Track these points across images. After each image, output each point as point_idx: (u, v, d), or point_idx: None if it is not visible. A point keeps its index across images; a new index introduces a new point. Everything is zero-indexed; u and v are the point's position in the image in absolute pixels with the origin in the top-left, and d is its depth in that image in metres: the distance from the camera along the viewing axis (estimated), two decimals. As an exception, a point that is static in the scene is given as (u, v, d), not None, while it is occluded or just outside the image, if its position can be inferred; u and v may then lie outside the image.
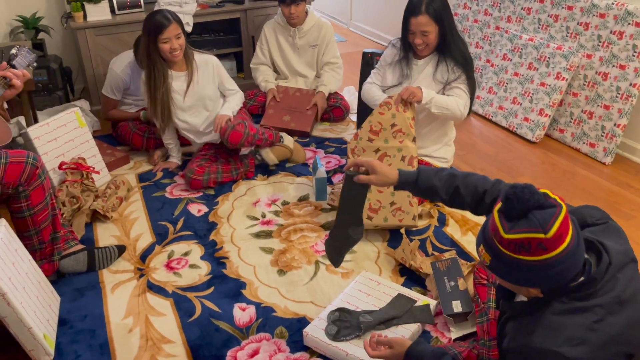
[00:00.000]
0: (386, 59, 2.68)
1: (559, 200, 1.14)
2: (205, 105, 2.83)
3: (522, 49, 3.41)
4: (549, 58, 3.24)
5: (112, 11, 3.54)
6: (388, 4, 4.99)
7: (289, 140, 3.02)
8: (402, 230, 2.28)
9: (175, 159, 3.02)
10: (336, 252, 1.83)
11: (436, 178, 1.56)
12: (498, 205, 1.17)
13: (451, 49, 2.48)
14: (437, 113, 2.44)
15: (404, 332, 1.84)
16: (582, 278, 1.18)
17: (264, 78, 3.48)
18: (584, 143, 3.16)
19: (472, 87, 2.52)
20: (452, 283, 1.97)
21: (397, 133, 2.36)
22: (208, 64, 2.81)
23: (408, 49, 2.56)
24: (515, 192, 1.13)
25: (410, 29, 2.44)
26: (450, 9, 2.47)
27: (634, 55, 2.87)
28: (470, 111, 2.58)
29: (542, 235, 1.10)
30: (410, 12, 2.42)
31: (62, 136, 2.67)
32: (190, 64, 2.76)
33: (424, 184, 1.57)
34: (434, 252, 2.32)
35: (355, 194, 1.69)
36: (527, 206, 1.12)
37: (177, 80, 2.76)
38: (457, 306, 1.90)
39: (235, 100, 2.92)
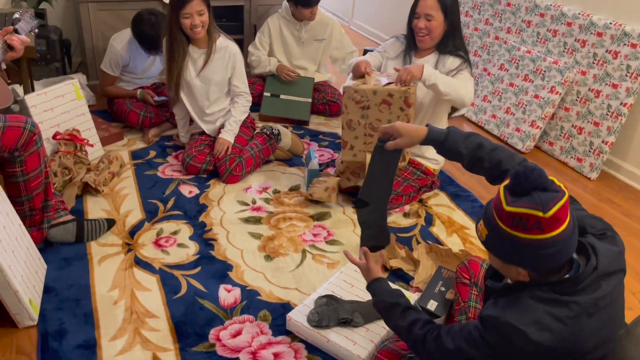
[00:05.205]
0: (388, 50, 2.67)
1: (563, 187, 1.19)
2: (209, 91, 2.81)
3: (519, 60, 3.47)
4: (544, 71, 3.30)
5: (117, -13, 3.53)
6: (391, 5, 5.03)
7: (286, 138, 3.02)
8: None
9: (182, 138, 3.02)
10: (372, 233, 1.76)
11: (463, 145, 1.55)
12: (506, 182, 1.22)
13: (452, 49, 2.50)
14: (443, 91, 2.35)
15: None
16: (567, 275, 1.23)
17: (267, 61, 3.49)
18: (571, 157, 3.23)
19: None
20: (443, 289, 2.01)
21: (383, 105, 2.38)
22: (227, 50, 2.75)
23: (411, 42, 2.56)
24: (525, 171, 1.18)
25: (416, 11, 2.46)
26: (459, 9, 2.50)
27: (627, 75, 2.94)
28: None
29: (540, 214, 1.15)
30: None
31: (59, 107, 2.67)
32: (210, 44, 2.72)
33: (450, 146, 1.56)
34: (429, 242, 2.39)
35: (386, 164, 1.67)
36: (532, 185, 1.16)
37: (195, 57, 2.74)
38: (432, 305, 1.94)
39: (239, 113, 2.85)
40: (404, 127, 1.61)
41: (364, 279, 1.65)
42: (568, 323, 1.19)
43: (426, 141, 1.59)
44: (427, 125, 1.61)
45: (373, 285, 1.60)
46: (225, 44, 2.76)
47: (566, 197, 1.17)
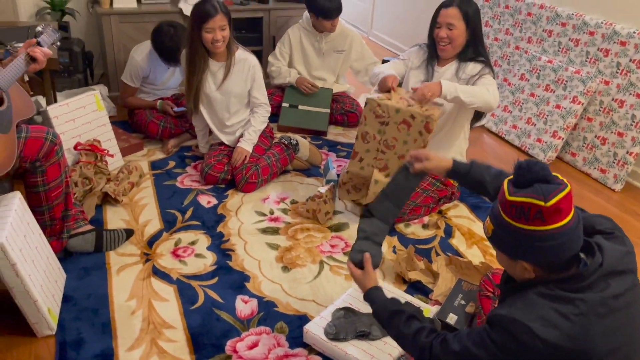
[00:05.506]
0: (412, 59, 2.64)
1: (566, 182, 1.21)
2: (229, 103, 2.82)
3: (540, 70, 3.43)
4: (566, 81, 3.25)
5: (138, 0, 3.59)
6: (410, 16, 5.03)
7: (304, 148, 3.02)
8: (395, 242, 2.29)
9: (201, 148, 3.03)
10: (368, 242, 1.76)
11: (487, 173, 1.62)
12: (510, 176, 1.25)
13: (473, 56, 2.48)
14: (467, 101, 2.33)
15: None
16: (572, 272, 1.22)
17: (287, 72, 3.51)
18: (594, 168, 3.17)
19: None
20: (463, 302, 1.97)
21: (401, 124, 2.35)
22: (246, 62, 2.76)
23: (433, 52, 2.54)
24: (527, 164, 1.21)
25: (438, 20, 2.45)
26: (480, 20, 2.48)
27: (651, 85, 2.88)
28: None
29: (541, 203, 1.16)
30: (441, 5, 2.46)
31: (80, 118, 2.71)
32: (230, 57, 2.73)
33: (475, 177, 1.62)
34: (449, 254, 2.35)
35: (405, 186, 1.73)
36: (535, 177, 1.19)
37: (214, 70, 2.75)
38: (452, 319, 1.90)
39: (258, 123, 2.87)
40: (434, 154, 1.71)
41: (360, 288, 1.64)
42: (574, 320, 1.17)
43: (451, 172, 1.67)
44: (453, 159, 1.69)
45: (371, 294, 1.59)
46: (244, 57, 2.77)
47: (568, 189, 1.19)
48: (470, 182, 1.64)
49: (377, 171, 2.43)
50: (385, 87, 2.44)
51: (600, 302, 1.19)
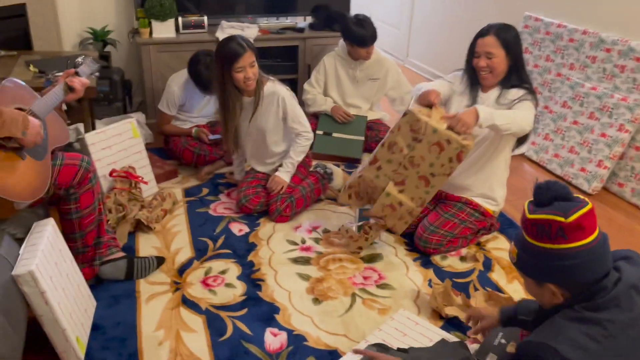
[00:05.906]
0: (457, 84, 2.53)
1: (587, 200, 1.21)
2: (265, 137, 2.79)
3: (583, 97, 3.31)
4: (612, 109, 3.12)
5: (177, 30, 3.66)
6: (446, 43, 4.98)
7: (338, 178, 2.97)
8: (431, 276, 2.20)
9: (237, 175, 3.03)
10: None
11: (533, 307, 1.62)
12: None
13: (516, 83, 2.39)
14: (503, 128, 2.23)
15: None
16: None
17: (322, 100, 3.50)
18: (644, 200, 3.01)
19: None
20: (504, 341, 1.86)
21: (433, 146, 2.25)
22: (275, 96, 2.69)
23: (474, 79, 2.46)
24: (546, 183, 1.23)
25: (476, 50, 2.37)
26: (521, 45, 2.40)
27: None
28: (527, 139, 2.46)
29: (562, 219, 1.17)
30: (478, 34, 2.39)
31: (117, 145, 2.74)
32: (258, 92, 2.67)
33: (524, 309, 1.63)
34: (488, 289, 2.24)
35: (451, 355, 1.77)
36: (554, 195, 1.21)
37: (245, 106, 2.72)
38: (492, 358, 1.79)
39: (297, 154, 2.80)
40: (486, 310, 1.79)
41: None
42: (603, 342, 1.15)
43: (502, 320, 1.70)
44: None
45: None
46: (273, 89, 2.70)
47: (589, 206, 1.18)
48: (520, 322, 1.65)
49: (393, 184, 2.33)
50: (425, 102, 2.33)
51: (630, 324, 1.16)
